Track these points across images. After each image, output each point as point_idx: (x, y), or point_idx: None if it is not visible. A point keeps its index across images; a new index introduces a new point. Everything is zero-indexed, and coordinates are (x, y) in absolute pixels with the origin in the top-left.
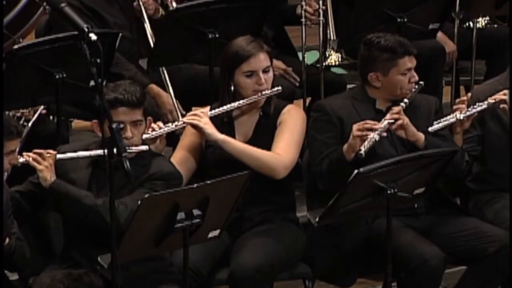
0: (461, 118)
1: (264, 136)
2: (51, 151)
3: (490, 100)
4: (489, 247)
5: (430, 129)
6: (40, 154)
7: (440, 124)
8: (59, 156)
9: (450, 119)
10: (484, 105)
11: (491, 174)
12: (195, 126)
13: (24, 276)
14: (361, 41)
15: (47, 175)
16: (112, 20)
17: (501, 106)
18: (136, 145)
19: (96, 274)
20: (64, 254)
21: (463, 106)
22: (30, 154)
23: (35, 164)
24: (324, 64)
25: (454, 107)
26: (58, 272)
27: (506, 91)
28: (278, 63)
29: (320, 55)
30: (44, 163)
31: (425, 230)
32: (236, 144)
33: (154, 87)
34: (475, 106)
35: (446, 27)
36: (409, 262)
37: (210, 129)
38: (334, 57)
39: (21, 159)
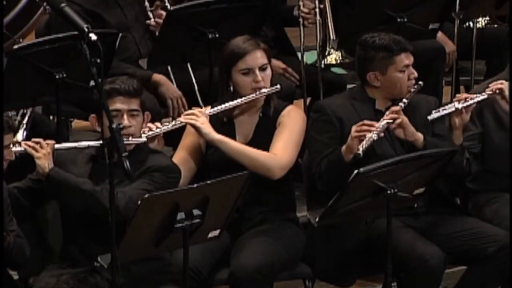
0: (460, 107)
1: (264, 137)
2: (49, 141)
3: (488, 91)
4: (489, 247)
5: (429, 117)
6: (38, 143)
7: (439, 113)
8: (57, 145)
9: (449, 108)
10: (482, 96)
11: (490, 174)
12: (192, 126)
13: (24, 275)
14: (356, 42)
15: (45, 163)
16: (113, 21)
17: (498, 98)
18: (133, 136)
19: (97, 273)
20: (63, 253)
21: (462, 96)
22: (28, 142)
23: (33, 152)
24: (323, 63)
25: (454, 99)
26: (63, 272)
27: (503, 81)
28: (277, 62)
29: (318, 55)
30: (42, 151)
31: (425, 230)
32: (233, 144)
33: (156, 75)
34: (473, 97)
35: (446, 27)
36: (409, 262)
37: (207, 128)
38: (334, 56)
39: (19, 148)
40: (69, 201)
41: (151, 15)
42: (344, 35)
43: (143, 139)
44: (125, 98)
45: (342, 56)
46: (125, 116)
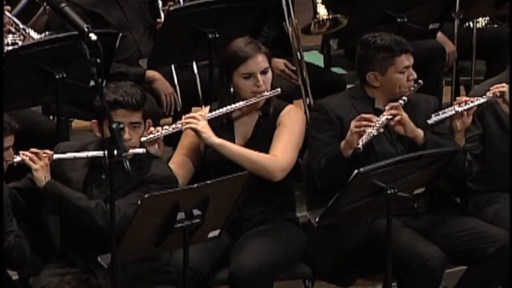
0: (460, 111)
1: (263, 136)
2: (47, 151)
3: (489, 93)
4: (489, 247)
5: (429, 121)
6: (36, 154)
7: (439, 117)
8: (56, 156)
9: (449, 111)
10: (483, 99)
11: (491, 174)
12: (193, 130)
13: (24, 275)
14: (357, 41)
15: (42, 175)
16: (113, 21)
17: (500, 101)
18: (134, 147)
19: (95, 274)
20: (61, 254)
21: (463, 99)
22: (26, 153)
23: (30, 163)
24: (315, 19)
25: (454, 102)
26: (65, 271)
27: (504, 84)
28: (278, 62)
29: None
30: (39, 163)
31: (425, 230)
32: (233, 148)
33: (150, 71)
34: (474, 100)
35: (446, 27)
36: (409, 262)
37: (208, 132)
38: (323, 12)
39: (17, 158)
40: (64, 213)
41: (162, 15)
42: (344, 35)
43: (142, 149)
44: (128, 111)
45: (329, 12)
46: (126, 129)
